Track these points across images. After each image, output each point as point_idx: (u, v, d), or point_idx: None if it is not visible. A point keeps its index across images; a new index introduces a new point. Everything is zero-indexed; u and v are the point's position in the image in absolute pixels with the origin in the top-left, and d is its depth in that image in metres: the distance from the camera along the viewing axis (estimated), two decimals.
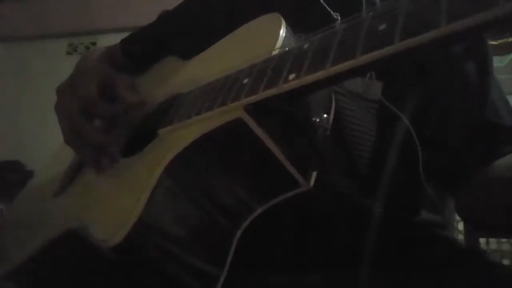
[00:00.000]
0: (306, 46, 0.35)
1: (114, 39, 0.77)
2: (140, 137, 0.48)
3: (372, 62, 0.28)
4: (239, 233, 0.41)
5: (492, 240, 1.68)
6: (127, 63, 0.71)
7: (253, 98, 0.35)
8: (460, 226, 1.31)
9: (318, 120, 0.39)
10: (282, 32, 0.42)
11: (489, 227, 0.61)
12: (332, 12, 0.55)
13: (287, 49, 0.38)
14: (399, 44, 0.26)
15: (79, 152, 0.53)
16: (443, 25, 0.24)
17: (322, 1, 0.57)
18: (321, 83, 0.32)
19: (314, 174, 0.40)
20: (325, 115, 0.40)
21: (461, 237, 1.29)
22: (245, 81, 0.38)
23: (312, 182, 0.39)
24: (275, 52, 0.39)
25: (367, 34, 0.30)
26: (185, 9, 0.73)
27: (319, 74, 0.31)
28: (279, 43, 0.41)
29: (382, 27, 0.29)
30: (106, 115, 0.52)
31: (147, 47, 0.73)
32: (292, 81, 0.33)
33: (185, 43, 0.65)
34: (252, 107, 0.35)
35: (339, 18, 0.54)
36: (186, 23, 0.71)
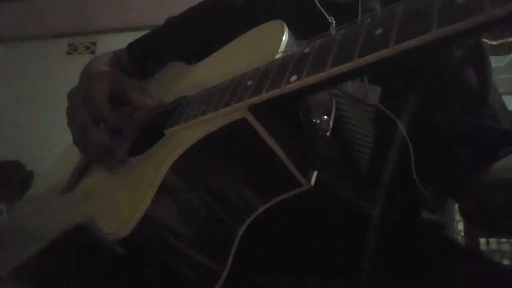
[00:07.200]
0: (307, 50, 0.37)
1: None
2: (148, 137, 0.49)
3: (369, 64, 0.30)
4: (241, 230, 0.42)
5: (492, 240, 1.69)
6: (134, 67, 0.72)
7: (256, 99, 0.36)
8: (460, 226, 1.31)
9: (318, 121, 0.41)
10: (285, 37, 0.43)
11: (492, 228, 0.62)
12: (327, 16, 0.57)
13: (289, 53, 0.39)
14: (394, 47, 0.28)
15: (87, 153, 0.54)
16: (434, 30, 0.26)
17: (319, 5, 0.59)
18: (321, 84, 0.33)
19: (315, 173, 0.41)
20: (325, 117, 0.41)
21: (461, 237, 1.30)
22: (249, 83, 0.39)
23: (312, 182, 0.40)
24: (278, 56, 0.40)
25: (365, 38, 0.31)
26: (189, 16, 0.75)
27: (320, 76, 0.33)
28: (281, 48, 0.42)
29: (379, 31, 0.30)
30: (112, 125, 0.52)
31: (152, 53, 0.74)
32: (294, 83, 0.34)
33: (188, 51, 0.66)
34: (256, 107, 0.37)
35: (334, 22, 0.57)
36: (190, 31, 0.72)
